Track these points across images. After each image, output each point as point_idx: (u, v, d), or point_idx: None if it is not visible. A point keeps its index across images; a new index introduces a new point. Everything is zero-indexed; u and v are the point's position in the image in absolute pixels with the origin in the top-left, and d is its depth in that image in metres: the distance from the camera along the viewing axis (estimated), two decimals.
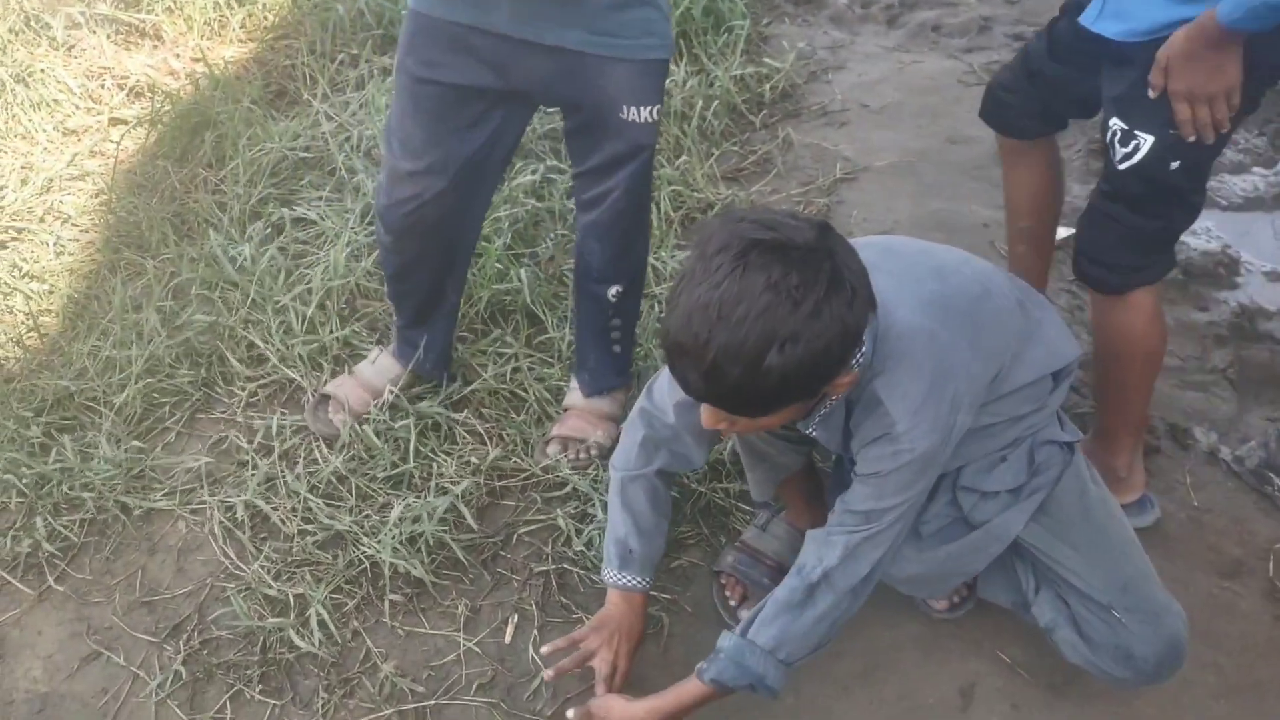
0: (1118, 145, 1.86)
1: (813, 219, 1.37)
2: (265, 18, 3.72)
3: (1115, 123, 1.86)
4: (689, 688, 1.67)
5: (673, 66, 3.31)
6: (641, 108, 1.93)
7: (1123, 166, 1.86)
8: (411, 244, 2.13)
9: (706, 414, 1.47)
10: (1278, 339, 2.60)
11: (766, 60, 3.52)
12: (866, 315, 1.38)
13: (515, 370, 2.44)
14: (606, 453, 2.25)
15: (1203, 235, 2.94)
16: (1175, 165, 1.81)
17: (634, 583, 1.83)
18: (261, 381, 2.43)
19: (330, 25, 3.56)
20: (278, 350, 2.45)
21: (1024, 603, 1.87)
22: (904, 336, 1.48)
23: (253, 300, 2.56)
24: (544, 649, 1.85)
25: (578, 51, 1.86)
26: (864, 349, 1.44)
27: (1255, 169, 3.25)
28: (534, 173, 2.92)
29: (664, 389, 1.78)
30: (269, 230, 2.80)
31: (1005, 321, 1.59)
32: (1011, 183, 2.41)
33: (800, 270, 1.29)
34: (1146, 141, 1.82)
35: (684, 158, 3.07)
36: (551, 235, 2.78)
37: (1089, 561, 1.74)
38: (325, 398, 2.34)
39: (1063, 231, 2.84)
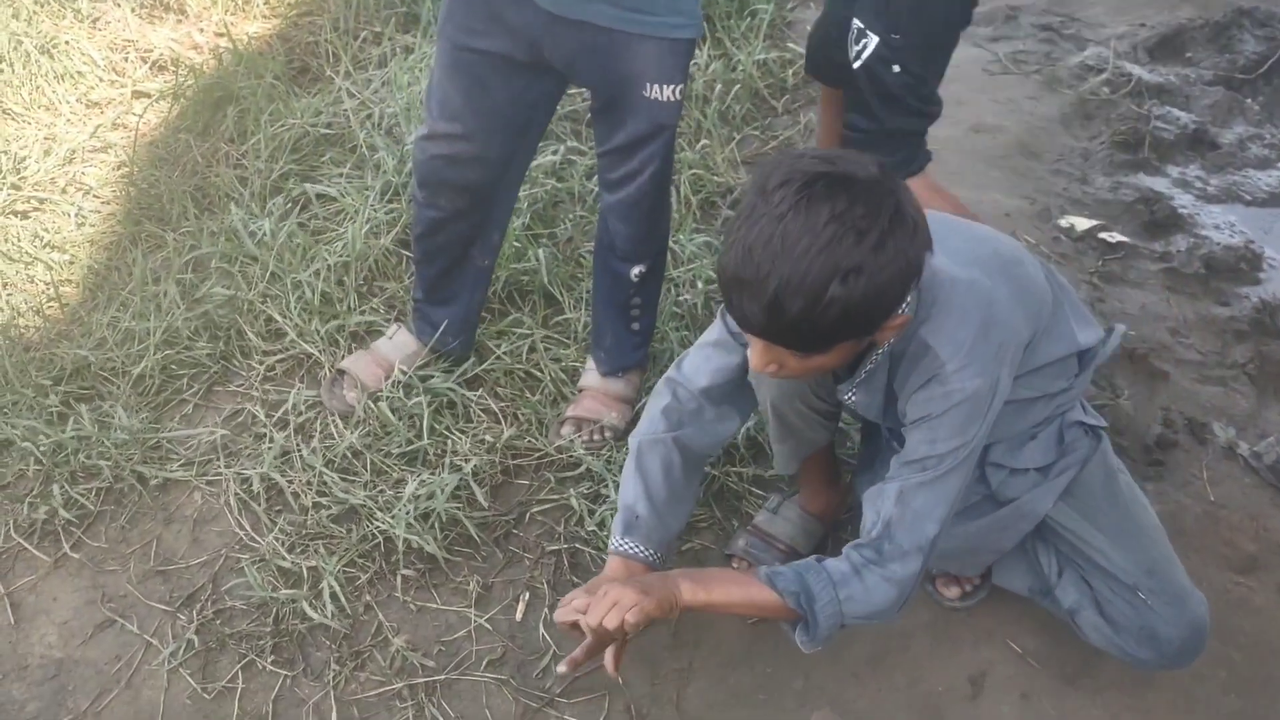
0: (853, 44, 1.97)
1: (872, 157, 1.36)
2: None
3: (854, 22, 1.98)
4: (732, 572, 1.63)
5: (695, 50, 3.30)
6: (665, 86, 1.92)
7: (856, 65, 1.97)
8: (444, 199, 2.15)
9: (757, 354, 1.44)
10: None
11: (790, 45, 3.50)
12: (925, 253, 1.37)
13: (531, 350, 2.44)
14: (620, 435, 2.26)
15: (1225, 230, 2.92)
16: (896, 69, 1.93)
17: (635, 550, 1.71)
18: (279, 356, 2.44)
19: (354, 2, 3.54)
20: (296, 325, 2.46)
21: (1043, 588, 1.86)
22: (947, 285, 1.48)
23: (272, 275, 2.57)
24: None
25: (605, 28, 1.86)
26: (911, 294, 1.43)
27: None
28: (554, 153, 2.92)
29: (695, 362, 1.76)
30: (289, 206, 2.81)
31: (1037, 288, 1.59)
32: (831, 124, 2.58)
33: (865, 202, 1.29)
34: (872, 41, 1.94)
35: (704, 141, 3.05)
36: (570, 216, 2.77)
37: (1115, 544, 1.74)
38: (341, 374, 2.35)
39: (1083, 223, 2.84)
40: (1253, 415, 2.38)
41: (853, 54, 1.99)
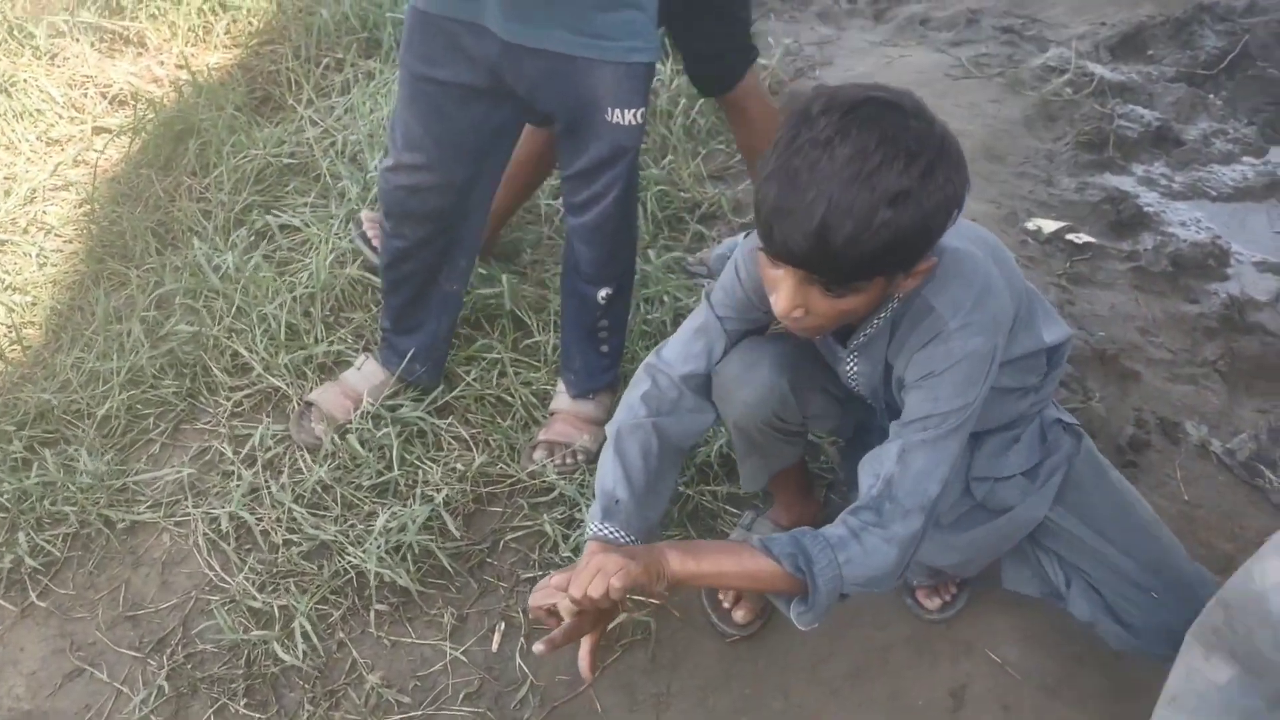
0: None
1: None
2: (250, 23, 3.69)
3: None
4: (723, 542, 1.53)
5: (659, 65, 3.29)
6: (626, 110, 1.92)
7: None
8: (409, 229, 2.15)
9: (786, 293, 1.38)
10: (1268, 330, 2.59)
11: None
12: (966, 188, 1.34)
13: (501, 375, 2.42)
14: (593, 457, 2.24)
15: (1192, 227, 2.93)
16: None
17: (616, 535, 1.59)
18: (246, 391, 2.41)
19: (315, 30, 3.53)
20: (262, 359, 2.44)
21: (1056, 592, 1.84)
22: (949, 253, 1.46)
23: (237, 309, 2.54)
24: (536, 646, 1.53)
25: (563, 54, 1.86)
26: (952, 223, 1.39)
27: (1245, 158, 3.24)
28: None
29: (676, 348, 1.71)
30: (253, 238, 2.78)
31: (1016, 277, 1.59)
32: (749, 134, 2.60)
33: (914, 128, 1.27)
34: None
35: (670, 157, 3.05)
36: (536, 237, 2.76)
37: (1119, 546, 1.74)
38: (309, 406, 2.32)
39: (1050, 225, 2.84)
40: (1224, 412, 2.38)
41: None
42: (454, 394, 2.36)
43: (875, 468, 1.50)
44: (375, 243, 2.52)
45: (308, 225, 2.78)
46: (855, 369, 1.64)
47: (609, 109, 1.92)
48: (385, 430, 2.25)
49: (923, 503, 1.47)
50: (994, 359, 1.50)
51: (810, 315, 1.40)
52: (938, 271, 1.46)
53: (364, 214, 2.64)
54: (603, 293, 2.17)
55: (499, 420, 2.34)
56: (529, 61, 1.89)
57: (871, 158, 1.24)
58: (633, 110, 1.93)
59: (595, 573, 1.39)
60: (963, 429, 1.50)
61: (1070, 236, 2.82)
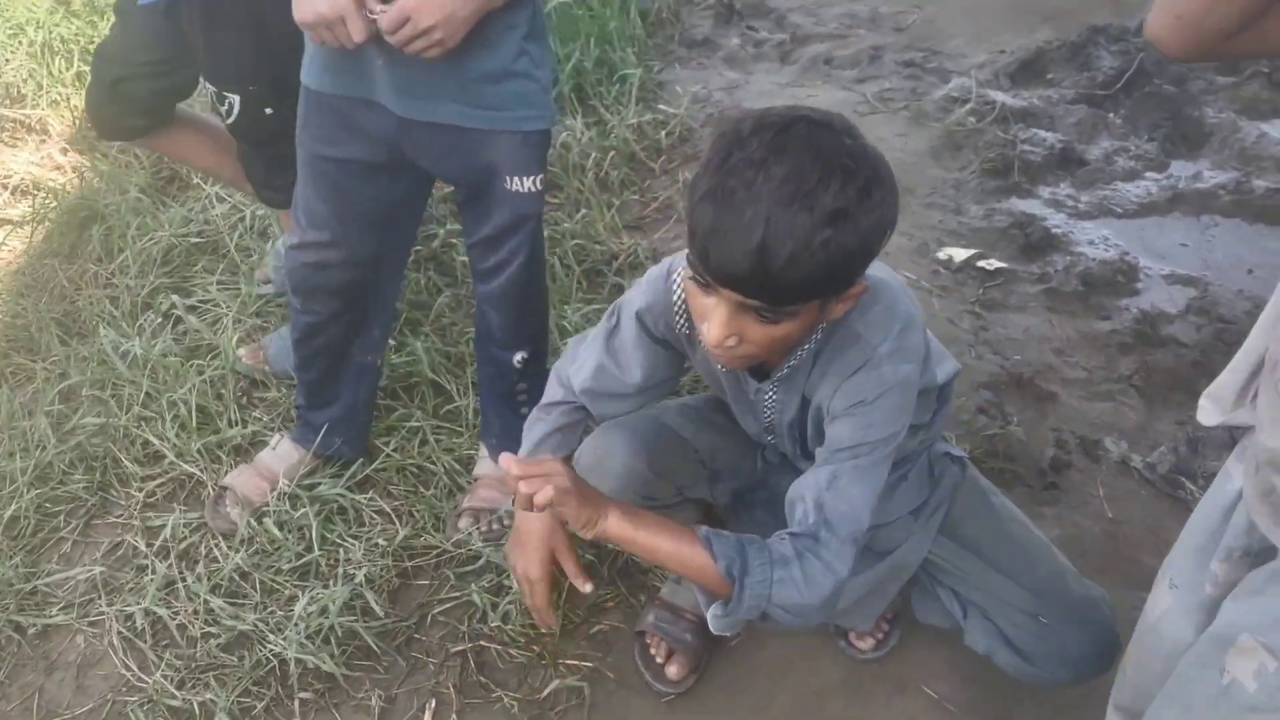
0: (220, 106, 2.22)
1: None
2: None
3: (208, 86, 2.24)
4: (670, 522, 1.50)
5: (569, 120, 3.31)
6: (525, 178, 1.92)
7: (229, 122, 2.24)
8: (319, 304, 2.13)
9: (719, 322, 1.34)
10: (1181, 341, 2.63)
11: (662, 106, 3.52)
12: (897, 212, 1.33)
13: (422, 443, 2.38)
14: None
15: (1100, 245, 2.98)
16: (270, 111, 2.19)
17: None
18: (159, 480, 2.35)
19: None
20: (174, 446, 2.38)
21: (958, 625, 1.85)
22: (873, 282, 1.45)
23: (146, 395, 2.48)
24: None
25: (457, 127, 1.85)
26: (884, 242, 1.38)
27: (1148, 174, 3.31)
28: (434, 240, 2.89)
29: (579, 368, 1.71)
30: (160, 321, 2.72)
31: (920, 315, 1.58)
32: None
33: (848, 146, 1.25)
34: (236, 100, 2.19)
35: (584, 211, 3.04)
36: (450, 301, 2.74)
37: (1006, 574, 1.74)
38: (225, 491, 2.27)
39: (961, 253, 2.87)
40: (1143, 427, 2.41)
41: (224, 116, 2.23)
42: (374, 467, 2.32)
43: (806, 492, 1.49)
44: (249, 360, 2.57)
45: (217, 305, 2.74)
46: (774, 398, 1.63)
47: (508, 177, 1.91)
48: (304, 510, 2.19)
49: (855, 533, 1.46)
50: (917, 386, 1.50)
51: (744, 344, 1.37)
52: (864, 298, 1.45)
53: (239, 351, 2.59)
54: (518, 356, 2.16)
55: (422, 490, 2.30)
56: (424, 135, 1.88)
57: (808, 177, 1.22)
58: (531, 178, 1.93)
59: (544, 475, 1.39)
60: (891, 458, 1.50)
61: (981, 263, 2.85)
